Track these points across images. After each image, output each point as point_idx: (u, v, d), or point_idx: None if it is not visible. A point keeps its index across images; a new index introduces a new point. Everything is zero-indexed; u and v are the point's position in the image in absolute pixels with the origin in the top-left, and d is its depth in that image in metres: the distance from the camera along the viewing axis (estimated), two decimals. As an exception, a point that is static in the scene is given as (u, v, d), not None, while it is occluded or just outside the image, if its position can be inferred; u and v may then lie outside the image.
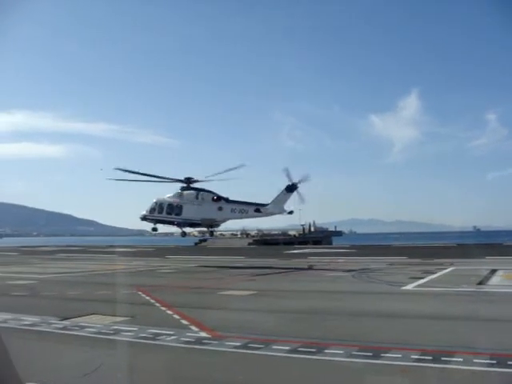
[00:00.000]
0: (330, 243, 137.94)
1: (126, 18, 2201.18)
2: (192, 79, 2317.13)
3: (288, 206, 44.41)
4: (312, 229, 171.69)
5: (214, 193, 47.12)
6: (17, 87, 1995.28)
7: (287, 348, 12.83)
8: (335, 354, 12.12)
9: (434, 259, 44.78)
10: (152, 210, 48.89)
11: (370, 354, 12.10)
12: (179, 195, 48.05)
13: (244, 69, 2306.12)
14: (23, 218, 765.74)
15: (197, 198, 47.04)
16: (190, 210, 46.98)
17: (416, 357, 11.72)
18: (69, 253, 71.60)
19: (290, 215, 45.52)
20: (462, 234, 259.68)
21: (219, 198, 46.37)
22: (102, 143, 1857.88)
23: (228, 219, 48.42)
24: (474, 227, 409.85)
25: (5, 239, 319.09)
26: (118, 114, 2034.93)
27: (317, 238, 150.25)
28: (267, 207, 44.18)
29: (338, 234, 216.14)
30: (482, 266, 36.91)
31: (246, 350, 12.83)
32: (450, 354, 11.83)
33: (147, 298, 23.11)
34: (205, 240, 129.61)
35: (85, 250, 73.97)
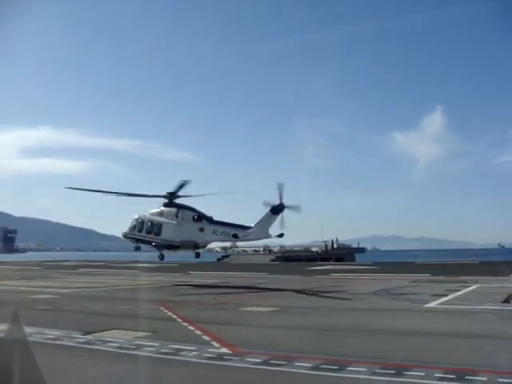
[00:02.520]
0: (353, 260, 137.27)
1: (151, 35, 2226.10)
2: (217, 97, 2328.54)
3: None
4: (335, 245, 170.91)
5: (196, 211, 42.86)
6: (42, 103, 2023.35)
7: (309, 365, 12.74)
8: (358, 372, 12.03)
9: (458, 276, 44.25)
10: (132, 228, 44.79)
11: (393, 371, 11.98)
12: (160, 213, 43.93)
13: (269, 87, 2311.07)
14: (47, 233, 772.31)
15: (177, 216, 42.88)
16: (169, 229, 42.69)
17: (439, 375, 11.60)
18: (91, 268, 72.02)
19: (287, 236, 41.68)
20: (486, 250, 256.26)
21: (200, 218, 42.09)
22: (126, 159, 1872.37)
23: (209, 242, 44.80)
24: (499, 244, 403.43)
25: (29, 253, 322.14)
26: (141, 129, 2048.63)
27: (340, 254, 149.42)
28: (250, 230, 40.12)
29: (361, 250, 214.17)
30: (507, 283, 36.49)
31: (268, 366, 12.78)
32: (474, 373, 11.68)
33: (169, 313, 23.14)
34: (227, 256, 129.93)
35: (107, 265, 74.32)
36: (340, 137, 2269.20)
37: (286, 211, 38.89)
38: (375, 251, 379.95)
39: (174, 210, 43.02)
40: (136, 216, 44.78)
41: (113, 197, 43.40)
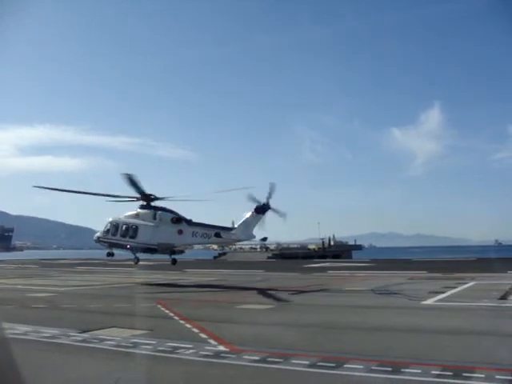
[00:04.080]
0: (350, 257, 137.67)
1: (149, 33, 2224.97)
2: (212, 93, 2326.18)
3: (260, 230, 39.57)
4: (332, 243, 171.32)
5: (174, 213, 41.48)
6: (38, 101, 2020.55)
7: (306, 362, 12.74)
8: (355, 369, 12.03)
9: (455, 273, 44.35)
10: (106, 232, 43.15)
11: (390, 369, 11.99)
12: (136, 215, 42.15)
13: (265, 83, 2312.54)
14: (44, 231, 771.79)
15: (154, 218, 41.18)
16: (146, 232, 40.96)
17: (436, 372, 11.58)
18: (88, 266, 71.98)
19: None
20: (483, 247, 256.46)
21: (179, 220, 40.76)
22: (122, 156, 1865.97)
23: (188, 245, 44.08)
24: (496, 241, 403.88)
25: (26, 252, 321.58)
26: (138, 127, 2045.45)
27: (336, 251, 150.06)
28: (233, 232, 39.24)
29: (358, 247, 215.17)
30: (503, 280, 36.58)
31: (265, 364, 12.77)
32: (472, 370, 11.70)
33: (166, 311, 23.14)
34: (224, 253, 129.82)
35: (104, 263, 74.10)
36: (337, 133, 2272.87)
37: (269, 213, 38.43)
38: (372, 248, 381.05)
39: (150, 211, 41.50)
40: (110, 219, 43.43)
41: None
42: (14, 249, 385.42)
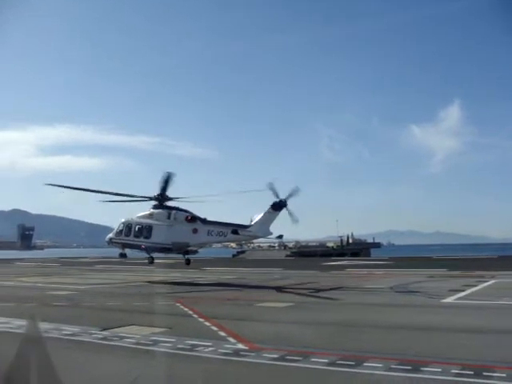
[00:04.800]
0: (369, 255, 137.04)
1: (168, 33, 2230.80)
2: (232, 93, 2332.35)
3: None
4: (350, 240, 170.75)
5: (188, 212, 41.40)
6: (59, 101, 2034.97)
7: (326, 361, 12.72)
8: (374, 368, 11.98)
9: (475, 271, 44.03)
10: (119, 233, 43.18)
11: (410, 367, 11.93)
12: (149, 215, 42.16)
13: (283, 81, 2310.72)
14: (64, 230, 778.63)
15: (168, 217, 41.16)
16: (160, 232, 41.00)
17: (456, 371, 11.51)
18: (108, 264, 72.41)
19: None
20: (504, 245, 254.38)
21: (194, 219, 40.64)
22: (142, 156, 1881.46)
23: (204, 243, 43.61)
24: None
25: (46, 251, 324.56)
26: (157, 126, 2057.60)
27: (355, 249, 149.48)
28: (249, 229, 38.84)
29: (377, 245, 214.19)
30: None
31: (284, 362, 12.76)
32: (492, 369, 11.59)
33: (185, 309, 23.21)
34: (243, 252, 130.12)
35: (123, 261, 74.70)
36: (356, 131, 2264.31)
37: (284, 213, 37.82)
38: (390, 246, 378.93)
39: (164, 211, 41.50)
40: (123, 220, 43.44)
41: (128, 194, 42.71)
42: (35, 247, 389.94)
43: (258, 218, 38.72)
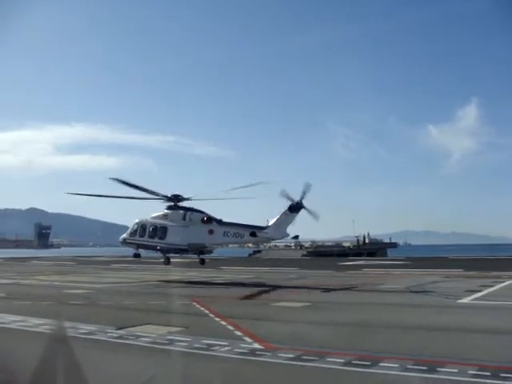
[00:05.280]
0: (385, 255, 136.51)
1: (184, 32, 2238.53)
2: (247, 92, 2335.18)
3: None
4: (366, 240, 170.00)
5: (204, 213, 41.14)
6: (76, 100, 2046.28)
7: (341, 361, 12.71)
8: (390, 368, 11.95)
9: (492, 272, 43.74)
10: (133, 233, 43.25)
11: (426, 368, 11.88)
12: (164, 216, 42.16)
13: (298, 81, 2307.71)
14: (80, 229, 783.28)
15: (184, 218, 40.95)
16: (175, 233, 40.95)
17: (473, 372, 11.44)
18: (124, 263, 72.67)
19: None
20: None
21: (210, 220, 40.33)
22: (158, 155, 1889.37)
23: (219, 244, 43.56)
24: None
25: (62, 249, 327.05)
26: (173, 125, 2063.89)
27: (371, 249, 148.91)
28: (266, 231, 38.59)
29: (393, 245, 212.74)
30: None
31: (300, 361, 12.76)
32: (510, 370, 11.51)
33: (201, 308, 23.26)
34: (259, 251, 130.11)
35: (139, 260, 75.07)
36: (372, 130, 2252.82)
37: (303, 212, 37.67)
38: (407, 246, 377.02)
39: (180, 212, 41.34)
40: (137, 220, 43.52)
41: (143, 193, 42.76)
42: (52, 246, 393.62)
43: (274, 219, 38.55)
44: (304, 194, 37.13)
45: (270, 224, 38.82)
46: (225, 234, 39.64)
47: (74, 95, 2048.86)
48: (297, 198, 37.18)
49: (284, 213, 37.74)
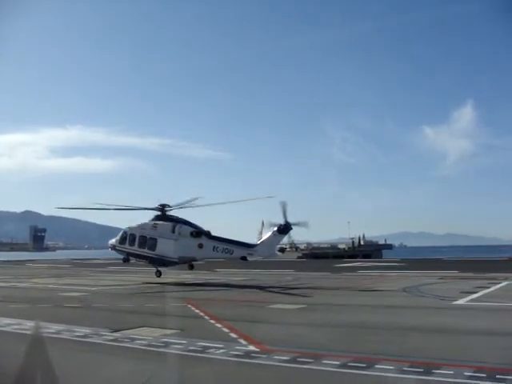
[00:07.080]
0: (380, 257, 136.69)
1: (177, 36, 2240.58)
2: (243, 96, 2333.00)
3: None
4: (362, 242, 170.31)
5: (193, 225, 41.14)
6: (70, 103, 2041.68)
7: (337, 363, 12.68)
8: (386, 370, 11.94)
9: (487, 273, 43.75)
10: (122, 240, 42.94)
11: (421, 370, 11.86)
12: (153, 226, 41.76)
13: (296, 85, 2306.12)
14: (75, 232, 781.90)
15: (173, 231, 40.73)
16: (166, 245, 40.64)
17: (469, 374, 11.43)
18: (119, 266, 72.48)
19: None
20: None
21: (199, 234, 40.14)
22: (154, 157, 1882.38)
23: (209, 258, 43.92)
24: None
25: (58, 252, 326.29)
26: (169, 128, 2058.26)
27: (367, 251, 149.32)
28: (255, 249, 39.23)
29: (388, 247, 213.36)
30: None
31: (296, 364, 12.74)
32: (506, 372, 11.51)
33: (196, 310, 23.25)
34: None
35: (135, 262, 74.89)
36: (368, 133, 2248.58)
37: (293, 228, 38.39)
38: (402, 248, 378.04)
39: (169, 224, 41.20)
40: (126, 228, 43.30)
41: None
42: (47, 249, 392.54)
43: (264, 237, 39.58)
44: (284, 214, 37.75)
45: (259, 242, 39.86)
46: (214, 248, 39.74)
47: (68, 99, 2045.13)
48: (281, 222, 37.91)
49: (273, 233, 38.62)
